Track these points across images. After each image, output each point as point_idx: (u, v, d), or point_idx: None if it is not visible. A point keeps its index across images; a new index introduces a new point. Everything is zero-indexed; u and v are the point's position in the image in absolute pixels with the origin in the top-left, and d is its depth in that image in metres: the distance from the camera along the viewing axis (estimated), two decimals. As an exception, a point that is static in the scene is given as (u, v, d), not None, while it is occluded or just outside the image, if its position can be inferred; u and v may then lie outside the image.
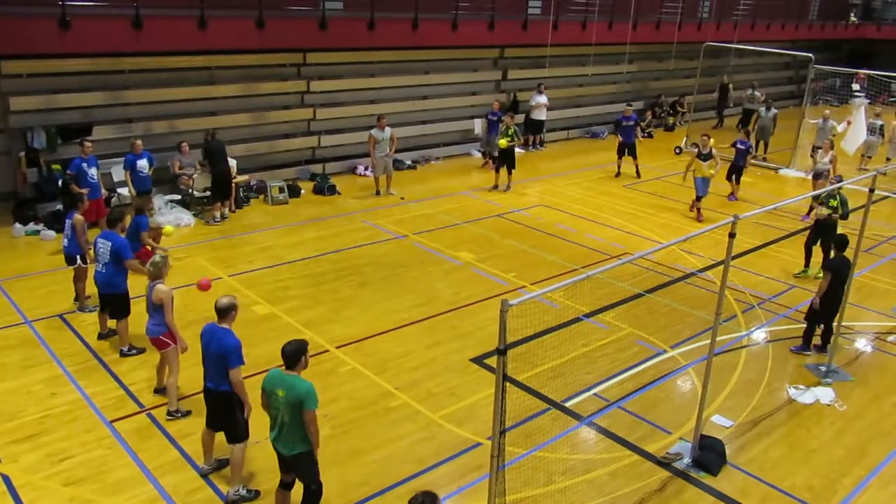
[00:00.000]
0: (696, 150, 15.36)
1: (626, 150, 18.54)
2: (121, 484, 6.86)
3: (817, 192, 11.69)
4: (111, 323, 9.36)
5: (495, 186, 16.79)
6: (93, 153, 12.38)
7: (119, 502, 6.63)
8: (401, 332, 9.99)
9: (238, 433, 6.68)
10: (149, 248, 11.34)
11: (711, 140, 15.18)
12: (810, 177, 16.19)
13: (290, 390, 5.85)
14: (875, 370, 9.67)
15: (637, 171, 18.69)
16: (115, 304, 9.14)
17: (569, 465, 7.45)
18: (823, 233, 11.84)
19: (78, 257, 9.85)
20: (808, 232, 12.61)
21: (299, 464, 6.05)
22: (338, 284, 11.41)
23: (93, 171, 12.17)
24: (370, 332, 9.93)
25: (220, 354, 6.49)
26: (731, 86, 25.06)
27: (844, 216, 11.82)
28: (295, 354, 5.92)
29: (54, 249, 11.66)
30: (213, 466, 7.06)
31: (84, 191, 11.70)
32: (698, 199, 15.22)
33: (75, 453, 7.25)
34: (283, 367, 5.98)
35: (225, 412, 6.69)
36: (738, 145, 16.87)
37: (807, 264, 12.46)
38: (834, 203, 11.67)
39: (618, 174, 18.64)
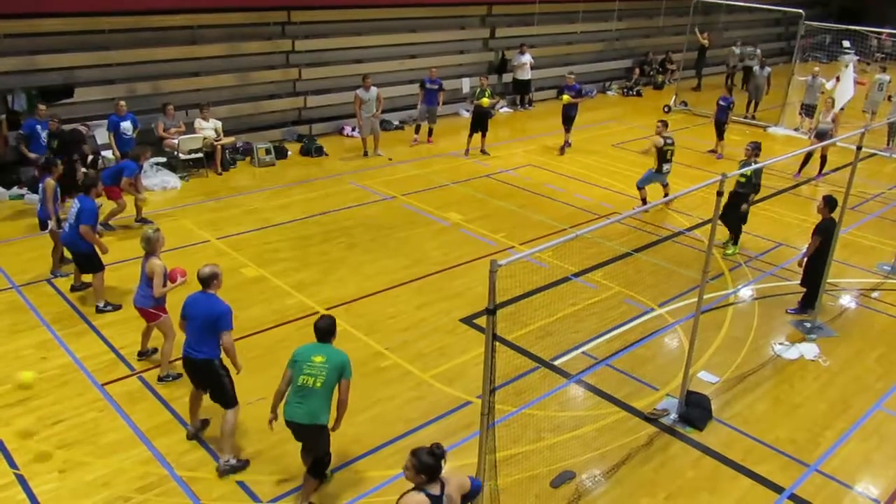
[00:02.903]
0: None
1: (568, 121, 16.91)
2: (114, 446, 6.91)
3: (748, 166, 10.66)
4: (86, 277, 9.46)
5: (466, 152, 16.21)
6: (47, 117, 12.19)
7: (113, 464, 6.69)
8: (390, 294, 10.02)
9: (228, 398, 6.66)
10: (125, 193, 11.25)
11: (665, 128, 13.12)
12: (811, 137, 16.17)
13: (331, 357, 5.96)
14: (859, 326, 9.81)
15: (564, 146, 16.95)
16: (82, 261, 9.27)
17: (558, 422, 7.57)
18: (735, 206, 11.23)
19: (50, 222, 9.84)
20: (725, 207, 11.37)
21: (316, 435, 6.06)
22: (326, 246, 11.39)
23: (45, 135, 11.96)
24: (359, 293, 9.96)
25: (209, 319, 6.44)
26: (706, 43, 24.18)
27: (757, 188, 11.40)
28: (330, 329, 6.08)
29: (39, 213, 11.57)
30: (199, 427, 7.09)
31: (33, 156, 11.67)
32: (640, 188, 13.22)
33: (67, 416, 7.28)
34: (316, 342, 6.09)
35: (209, 379, 6.66)
36: (720, 101, 16.91)
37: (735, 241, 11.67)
38: (748, 173, 10.76)
39: (567, 144, 17.05)
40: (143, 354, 8.30)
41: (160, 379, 7.91)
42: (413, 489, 4.70)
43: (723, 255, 11.53)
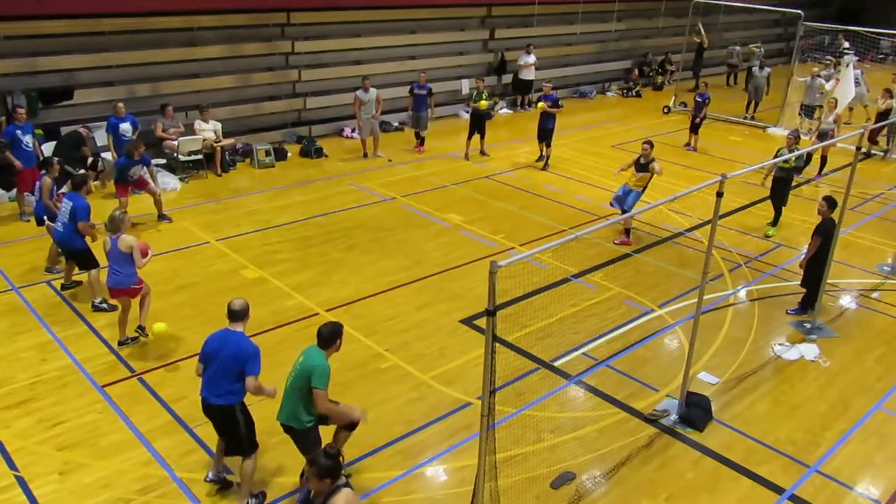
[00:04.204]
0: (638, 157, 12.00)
1: (543, 136, 15.67)
2: (114, 447, 6.91)
3: (787, 156, 11.63)
4: (79, 276, 9.60)
5: (466, 155, 16.10)
6: (27, 121, 12.07)
7: (113, 465, 6.68)
8: (390, 295, 10.02)
9: (244, 447, 6.21)
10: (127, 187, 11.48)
11: (653, 150, 11.82)
12: (813, 137, 16.25)
13: (307, 359, 5.87)
14: (859, 326, 9.81)
15: (546, 162, 15.75)
16: (77, 258, 9.38)
17: (558, 423, 7.56)
18: (779, 190, 12.48)
19: (45, 217, 9.93)
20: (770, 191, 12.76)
21: (296, 439, 6.09)
22: (326, 248, 11.39)
23: (27, 139, 11.81)
24: (359, 294, 9.95)
25: (236, 359, 5.95)
26: (706, 44, 23.95)
27: (800, 170, 12.52)
28: (329, 336, 5.90)
29: (39, 215, 11.58)
30: (220, 475, 6.48)
31: (17, 163, 11.62)
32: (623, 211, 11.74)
33: (67, 418, 7.28)
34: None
35: (227, 424, 6.18)
36: (697, 98, 17.44)
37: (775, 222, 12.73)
38: (793, 160, 11.88)
39: (540, 159, 15.95)
40: (124, 343, 8.44)
41: (140, 328, 8.39)
42: (335, 490, 4.78)
43: (763, 235, 12.48)
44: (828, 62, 21.17)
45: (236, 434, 6.17)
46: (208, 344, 6.12)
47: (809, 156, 15.52)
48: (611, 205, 12.13)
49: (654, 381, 8.30)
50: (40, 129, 13.30)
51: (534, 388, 8.05)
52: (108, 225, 7.97)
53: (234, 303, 6.14)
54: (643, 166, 11.74)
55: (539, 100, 15.87)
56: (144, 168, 11.72)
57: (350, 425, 6.27)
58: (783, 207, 12.60)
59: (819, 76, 18.77)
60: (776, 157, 12.41)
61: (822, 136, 15.31)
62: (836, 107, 15.96)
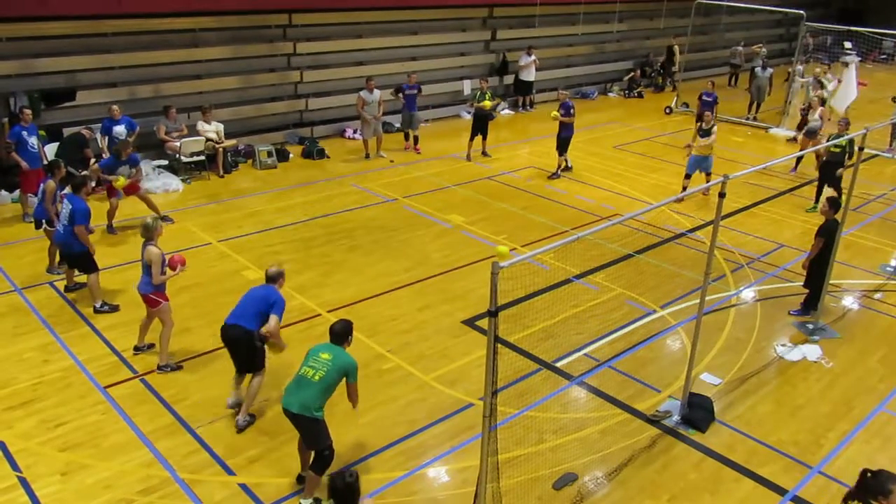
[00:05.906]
0: (699, 124, 14.02)
1: (558, 146, 15.30)
2: (116, 448, 6.91)
3: (815, 147, 12.32)
4: (81, 278, 9.55)
5: (468, 156, 16.03)
6: (33, 122, 12.04)
7: (115, 466, 6.69)
8: (392, 296, 10.02)
9: (257, 365, 7.22)
10: (111, 183, 11.33)
11: (713, 117, 13.97)
12: (801, 134, 16.22)
13: (337, 357, 6.14)
14: (861, 327, 9.79)
15: (565, 166, 15.42)
16: (76, 261, 9.34)
17: (560, 424, 7.56)
18: (828, 172, 13.35)
19: (44, 221, 9.91)
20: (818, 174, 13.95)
21: (310, 427, 6.12)
22: (328, 248, 11.40)
23: (33, 140, 11.78)
24: (361, 295, 9.96)
25: (266, 298, 7.02)
26: (677, 48, 23.85)
27: (851, 154, 12.99)
28: (343, 332, 6.30)
29: (41, 216, 11.58)
30: (237, 401, 7.38)
31: (23, 164, 11.60)
32: (686, 176, 13.97)
33: (70, 419, 7.29)
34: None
35: (246, 348, 7.09)
36: (704, 97, 17.10)
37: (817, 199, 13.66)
38: (843, 143, 12.80)
39: (560, 170, 15.45)
40: (139, 349, 8.40)
41: (160, 368, 8.05)
42: None
43: (805, 210, 13.69)
44: (800, 60, 20.98)
45: (252, 353, 7.12)
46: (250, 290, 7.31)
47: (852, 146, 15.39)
48: (688, 172, 13.94)
49: (657, 382, 8.29)
50: (43, 130, 13.33)
51: (536, 389, 8.05)
52: (142, 232, 7.87)
53: (269, 269, 7.26)
54: (706, 132, 13.69)
55: (559, 108, 15.23)
56: (132, 170, 11.55)
57: (322, 468, 6.21)
58: (832, 188, 13.15)
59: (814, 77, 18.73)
60: (827, 140, 13.58)
61: (811, 133, 15.29)
62: (819, 104, 16.03)
